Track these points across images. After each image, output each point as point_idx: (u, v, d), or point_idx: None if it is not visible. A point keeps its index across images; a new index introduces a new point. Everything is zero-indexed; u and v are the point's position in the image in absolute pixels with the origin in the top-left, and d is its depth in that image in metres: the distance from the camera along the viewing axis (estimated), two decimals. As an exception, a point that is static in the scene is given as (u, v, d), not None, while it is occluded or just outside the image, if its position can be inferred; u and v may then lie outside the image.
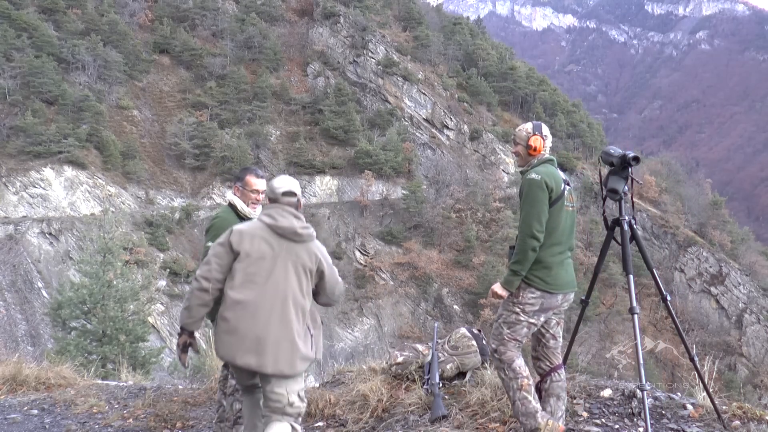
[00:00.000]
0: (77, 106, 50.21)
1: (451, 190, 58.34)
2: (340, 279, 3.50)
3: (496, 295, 3.41)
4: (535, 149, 3.43)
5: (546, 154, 3.49)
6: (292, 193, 3.45)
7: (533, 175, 3.33)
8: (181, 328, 3.43)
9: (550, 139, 3.49)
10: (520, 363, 3.42)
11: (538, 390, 3.56)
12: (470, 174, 60.65)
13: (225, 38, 64.58)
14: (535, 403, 3.36)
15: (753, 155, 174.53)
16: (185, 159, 53.97)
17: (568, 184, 3.46)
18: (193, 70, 61.73)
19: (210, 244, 3.76)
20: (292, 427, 3.35)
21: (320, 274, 3.39)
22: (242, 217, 4.00)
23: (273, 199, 3.46)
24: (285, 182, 3.49)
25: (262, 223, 3.36)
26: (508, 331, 3.42)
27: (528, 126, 3.51)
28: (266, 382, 3.32)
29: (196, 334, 3.64)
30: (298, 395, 3.35)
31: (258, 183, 4.08)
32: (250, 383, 3.59)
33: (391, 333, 49.02)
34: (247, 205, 4.05)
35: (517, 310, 3.40)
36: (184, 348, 3.45)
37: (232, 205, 4.06)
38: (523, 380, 3.38)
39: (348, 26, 68.00)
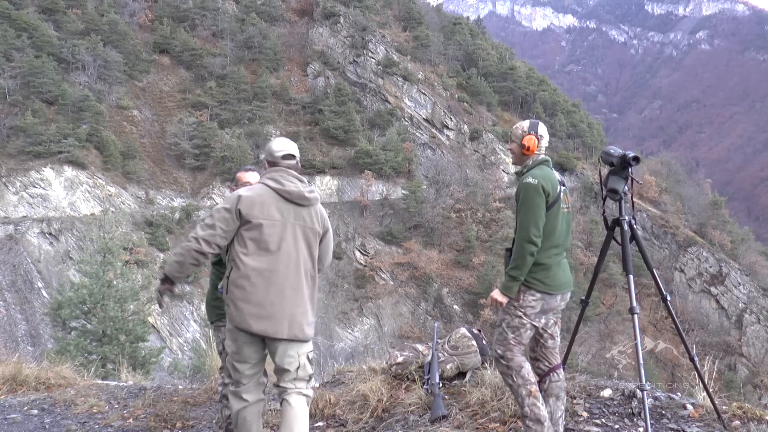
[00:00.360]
0: (77, 106, 50.21)
1: (451, 190, 58.34)
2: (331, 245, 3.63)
3: (495, 302, 3.39)
4: (528, 149, 3.41)
5: (541, 153, 3.46)
6: (291, 156, 3.45)
7: (530, 179, 3.31)
8: (166, 276, 3.45)
9: (546, 138, 3.46)
10: (528, 369, 3.41)
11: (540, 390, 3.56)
12: (470, 174, 60.66)
13: (225, 38, 64.58)
14: (543, 410, 3.35)
15: (753, 155, 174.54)
16: (185, 159, 53.97)
17: (563, 185, 3.46)
18: (193, 70, 61.74)
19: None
20: (307, 397, 3.43)
21: (322, 238, 3.45)
22: None
23: (272, 162, 3.45)
24: (283, 144, 3.48)
25: (268, 187, 3.35)
26: (512, 335, 3.39)
27: (524, 124, 3.48)
28: (277, 347, 3.35)
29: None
30: (308, 357, 3.42)
31: (247, 176, 4.18)
32: (257, 360, 3.49)
33: (391, 333, 49.02)
34: None
35: (520, 313, 3.39)
36: (164, 293, 3.57)
37: None
38: (531, 386, 3.37)
39: (348, 26, 68.00)
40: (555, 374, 3.54)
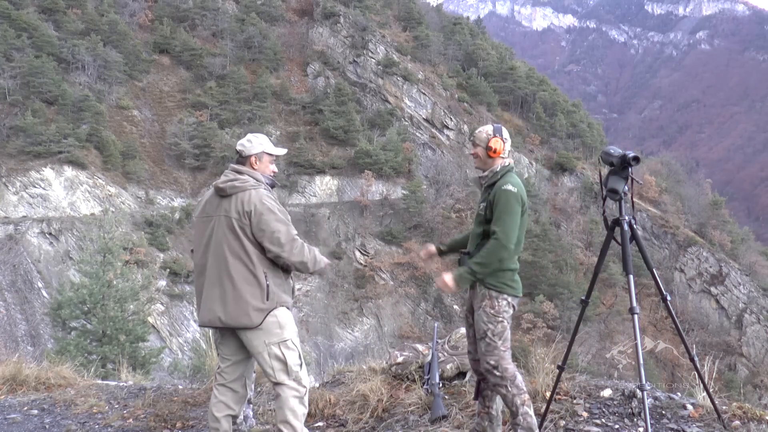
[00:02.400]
0: (77, 106, 50.22)
1: (451, 190, 58.35)
2: (280, 227, 3.40)
3: (445, 285, 3.37)
4: (495, 151, 3.43)
5: (506, 157, 3.50)
6: (236, 152, 3.64)
7: (509, 187, 3.35)
8: None
9: (509, 142, 3.51)
10: (520, 377, 3.43)
11: (480, 389, 3.60)
12: (470, 174, 60.59)
13: (225, 38, 64.59)
14: (535, 419, 3.40)
15: (753, 155, 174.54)
16: (185, 159, 53.98)
17: None
18: (193, 70, 61.75)
19: None
20: (287, 387, 3.41)
21: (253, 224, 3.40)
22: None
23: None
24: (242, 139, 3.69)
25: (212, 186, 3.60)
26: (500, 343, 3.39)
27: (488, 128, 3.52)
28: (242, 339, 3.44)
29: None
30: (282, 345, 3.42)
31: None
32: (232, 359, 3.58)
33: (391, 333, 49.02)
34: None
35: (500, 319, 3.39)
36: None
37: None
38: (525, 395, 3.39)
39: (348, 26, 68.01)
40: None
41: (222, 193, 3.48)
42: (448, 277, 3.37)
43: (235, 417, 3.65)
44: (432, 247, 3.85)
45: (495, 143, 3.43)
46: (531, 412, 3.37)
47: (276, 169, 3.76)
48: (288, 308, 3.56)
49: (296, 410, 3.44)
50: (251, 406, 4.32)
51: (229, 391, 3.58)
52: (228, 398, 3.56)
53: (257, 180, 3.54)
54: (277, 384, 3.45)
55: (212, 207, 3.52)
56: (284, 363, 3.43)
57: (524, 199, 3.40)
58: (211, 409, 3.57)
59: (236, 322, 3.37)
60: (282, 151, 3.82)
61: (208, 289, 3.44)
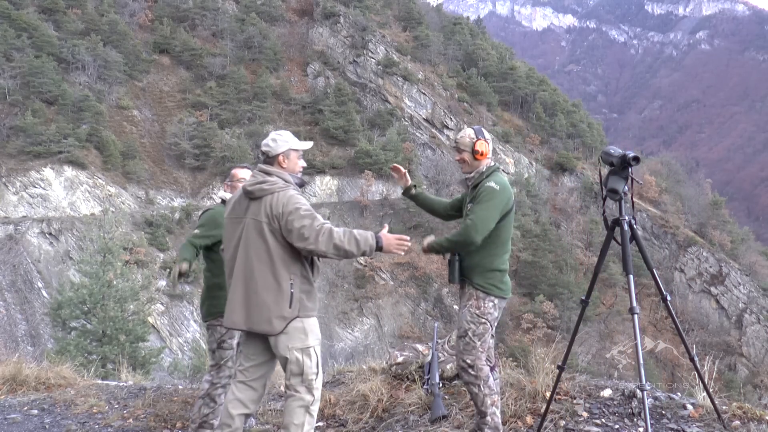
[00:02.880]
0: (77, 106, 50.22)
1: (451, 190, 58.30)
2: (305, 221, 3.29)
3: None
4: (482, 154, 3.49)
5: (490, 158, 3.56)
6: (262, 152, 3.57)
7: (492, 184, 3.41)
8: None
9: (491, 143, 3.57)
10: (492, 379, 3.49)
11: None
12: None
13: (225, 38, 64.60)
14: (500, 418, 3.50)
15: (753, 155, 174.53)
16: (185, 159, 53.97)
17: None
18: (193, 70, 61.75)
19: (197, 231, 4.18)
20: (297, 398, 3.36)
21: (282, 227, 3.33)
22: None
23: None
24: (266, 139, 3.61)
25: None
26: (479, 343, 3.44)
27: (470, 132, 3.56)
28: (271, 344, 3.39)
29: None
30: (302, 352, 3.35)
31: (241, 172, 4.32)
32: (255, 360, 3.52)
33: (391, 333, 49.02)
34: None
35: (483, 320, 3.44)
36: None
37: (224, 201, 4.24)
38: (495, 396, 3.46)
39: (348, 26, 68.01)
40: (495, 372, 3.67)
41: (251, 196, 3.41)
42: (425, 240, 3.54)
43: (248, 416, 3.58)
44: (409, 180, 3.88)
45: (480, 146, 3.50)
46: (498, 412, 3.46)
47: (305, 164, 3.70)
48: (312, 317, 3.50)
49: (298, 419, 3.36)
50: None
51: (248, 389, 3.51)
52: (246, 396, 3.49)
53: (286, 181, 3.46)
54: (288, 387, 3.42)
55: (241, 208, 3.45)
56: (301, 369, 3.37)
57: (509, 199, 3.43)
58: (227, 405, 3.49)
59: (258, 328, 3.34)
60: (308, 145, 3.72)
61: (233, 291, 3.41)
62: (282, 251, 3.34)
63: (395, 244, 3.40)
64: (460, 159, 3.59)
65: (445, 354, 4.63)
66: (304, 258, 3.40)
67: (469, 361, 3.42)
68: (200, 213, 4.38)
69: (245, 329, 3.38)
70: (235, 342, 4.21)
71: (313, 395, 3.40)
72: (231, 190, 4.26)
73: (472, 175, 3.55)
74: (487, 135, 3.55)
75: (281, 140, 3.56)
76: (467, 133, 3.57)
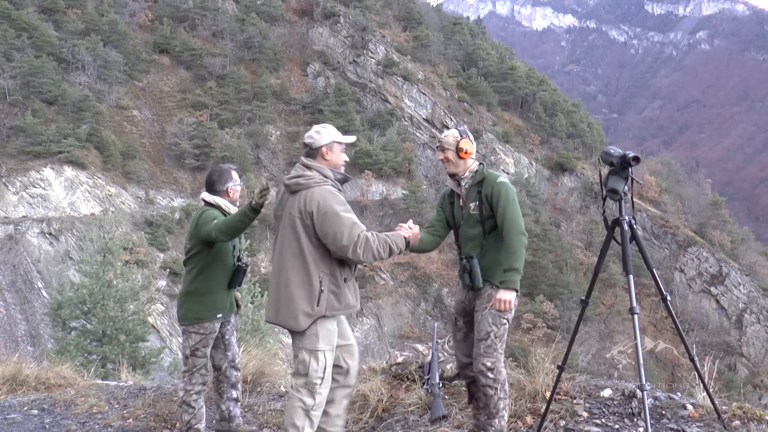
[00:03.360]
0: (77, 106, 50.22)
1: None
2: (342, 228, 3.24)
3: (509, 303, 3.31)
4: (466, 152, 3.51)
5: (475, 158, 3.59)
6: (304, 144, 3.56)
7: (504, 179, 3.47)
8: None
9: (475, 143, 3.61)
10: (507, 382, 3.48)
11: (471, 392, 3.62)
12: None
13: (225, 38, 64.60)
14: (506, 420, 3.50)
15: (753, 155, 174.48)
16: (185, 159, 53.97)
17: None
18: (193, 70, 61.75)
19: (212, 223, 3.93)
20: (305, 409, 3.31)
21: (315, 225, 3.29)
22: (225, 214, 4.06)
23: None
24: (309, 131, 3.60)
25: None
26: (500, 345, 3.40)
27: (454, 132, 3.61)
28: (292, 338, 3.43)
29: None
30: (311, 354, 3.32)
31: (236, 175, 4.38)
32: None
33: (391, 333, 49.02)
34: (233, 201, 4.21)
35: (504, 321, 3.41)
36: None
37: (214, 205, 4.14)
38: (507, 400, 3.45)
39: (348, 26, 68.01)
40: None
41: (289, 190, 3.42)
42: (505, 293, 3.32)
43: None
44: (417, 230, 3.66)
45: (465, 144, 3.52)
46: (506, 416, 3.46)
47: (347, 158, 3.68)
48: (340, 316, 3.47)
49: (298, 421, 3.32)
50: (239, 404, 4.31)
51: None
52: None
53: (324, 176, 3.42)
54: (292, 387, 3.40)
55: (282, 202, 3.48)
56: (306, 370, 3.33)
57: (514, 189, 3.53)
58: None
59: (285, 323, 3.32)
60: (351, 139, 3.68)
61: (270, 285, 3.44)
62: (312, 248, 3.30)
63: (418, 237, 3.42)
64: (444, 158, 3.60)
65: (445, 354, 4.63)
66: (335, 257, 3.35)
67: (489, 364, 3.38)
68: (198, 213, 4.18)
69: (275, 323, 3.38)
70: (209, 351, 4.07)
71: (314, 400, 3.35)
72: (233, 194, 4.27)
73: (465, 175, 3.56)
74: (471, 135, 3.61)
75: (325, 132, 3.56)
76: (451, 133, 3.62)
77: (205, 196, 4.17)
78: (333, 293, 3.34)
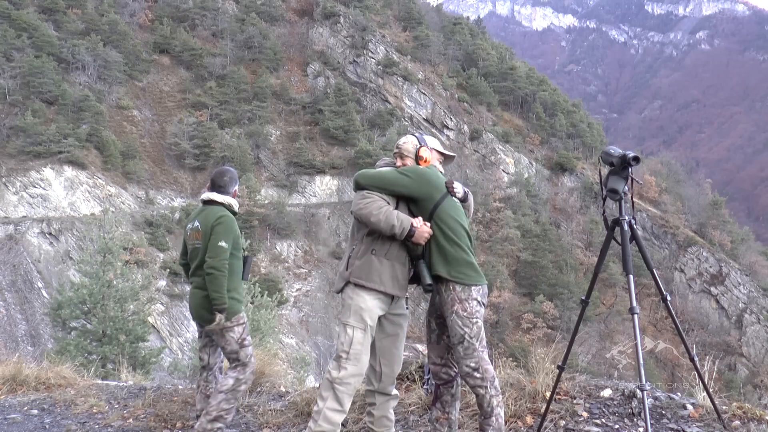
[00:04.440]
0: (77, 106, 50.23)
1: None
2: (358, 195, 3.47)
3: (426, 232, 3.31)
4: (425, 160, 3.47)
5: (434, 165, 3.51)
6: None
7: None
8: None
9: (435, 152, 3.56)
10: (497, 379, 3.44)
11: (439, 394, 3.56)
12: (470, 174, 60.66)
13: (225, 38, 64.60)
14: (503, 418, 3.45)
15: (753, 155, 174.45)
16: (185, 159, 53.98)
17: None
18: (193, 70, 61.75)
19: (223, 244, 3.98)
20: (331, 382, 3.38)
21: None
22: (233, 212, 4.25)
23: None
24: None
25: None
26: (478, 344, 3.35)
27: (412, 138, 3.56)
28: None
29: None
30: (341, 325, 3.46)
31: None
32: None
33: (391, 333, 48.97)
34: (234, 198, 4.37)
35: (474, 320, 3.35)
36: None
37: (219, 203, 4.20)
38: (500, 396, 3.41)
39: (348, 26, 68.01)
40: (459, 378, 3.56)
41: None
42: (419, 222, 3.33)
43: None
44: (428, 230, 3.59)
45: (424, 152, 3.47)
46: (502, 412, 3.41)
47: None
48: (363, 291, 3.41)
49: (323, 391, 3.39)
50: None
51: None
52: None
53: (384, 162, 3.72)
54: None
55: None
56: (337, 340, 3.46)
57: (428, 182, 3.47)
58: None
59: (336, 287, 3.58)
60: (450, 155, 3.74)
61: None
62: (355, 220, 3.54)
63: (425, 235, 3.36)
64: (402, 165, 3.53)
65: (445, 354, 4.62)
66: (375, 232, 3.40)
67: (473, 365, 3.34)
68: (215, 220, 4.07)
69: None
70: (250, 338, 4.26)
71: (339, 372, 3.35)
72: (234, 194, 4.35)
73: None
74: (431, 143, 3.54)
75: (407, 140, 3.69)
76: (410, 139, 3.56)
77: (215, 196, 4.20)
78: (360, 261, 3.42)
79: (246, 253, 4.29)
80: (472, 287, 3.35)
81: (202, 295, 4.10)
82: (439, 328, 3.54)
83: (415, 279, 3.49)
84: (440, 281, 3.38)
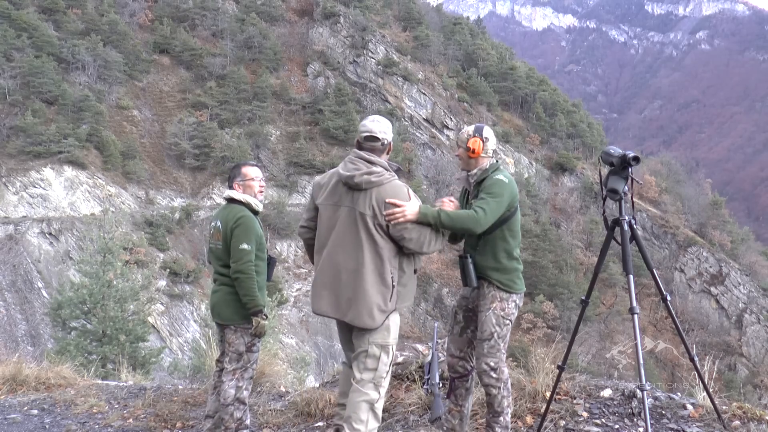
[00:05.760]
0: (77, 106, 50.22)
1: (451, 190, 58.33)
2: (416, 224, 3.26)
3: (404, 217, 3.24)
4: (473, 151, 3.45)
5: (489, 156, 3.51)
6: (374, 138, 3.36)
7: (500, 176, 3.39)
8: None
9: (492, 141, 3.50)
10: (510, 381, 3.50)
11: (454, 387, 3.61)
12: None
13: (225, 38, 64.59)
14: (510, 417, 3.51)
15: (753, 155, 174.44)
16: (185, 159, 53.97)
17: None
18: (193, 70, 61.74)
19: (246, 246, 3.89)
20: (371, 404, 3.29)
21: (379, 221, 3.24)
22: (254, 211, 4.07)
23: (359, 142, 3.40)
24: (369, 124, 3.39)
25: (337, 171, 3.36)
26: (503, 345, 3.42)
27: (470, 129, 3.55)
28: (353, 336, 3.37)
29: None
30: (382, 348, 3.31)
31: (253, 170, 4.17)
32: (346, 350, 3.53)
33: (391, 333, 48.97)
34: (254, 196, 4.11)
35: (507, 322, 3.42)
36: None
37: (237, 201, 4.08)
38: (510, 398, 3.47)
39: (348, 26, 68.01)
40: (474, 373, 3.62)
41: (356, 188, 3.26)
42: (413, 206, 3.31)
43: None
44: (456, 204, 3.67)
45: (473, 143, 3.45)
46: (510, 412, 3.48)
47: None
48: (401, 313, 3.43)
49: (363, 415, 3.27)
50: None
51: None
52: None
53: (390, 171, 3.33)
54: (356, 381, 3.34)
55: (338, 195, 3.31)
56: (376, 365, 3.31)
57: (514, 193, 3.40)
58: (342, 385, 3.57)
59: (359, 322, 3.23)
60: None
61: (326, 280, 3.32)
62: (386, 244, 3.24)
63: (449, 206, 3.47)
64: (457, 155, 3.60)
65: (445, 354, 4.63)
66: (403, 251, 3.33)
67: (492, 364, 3.39)
68: (234, 222, 3.98)
69: (341, 319, 3.30)
70: (259, 344, 4.18)
71: (380, 393, 3.34)
72: (244, 189, 4.10)
73: (474, 172, 3.52)
74: (486, 133, 3.49)
75: (389, 127, 3.43)
76: (467, 129, 3.56)
77: (234, 193, 4.11)
78: (402, 287, 3.35)
79: (271, 256, 4.19)
80: (513, 293, 3.44)
81: (221, 295, 4.09)
82: (465, 321, 3.59)
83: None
84: (484, 279, 3.45)
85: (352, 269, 3.23)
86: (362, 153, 3.32)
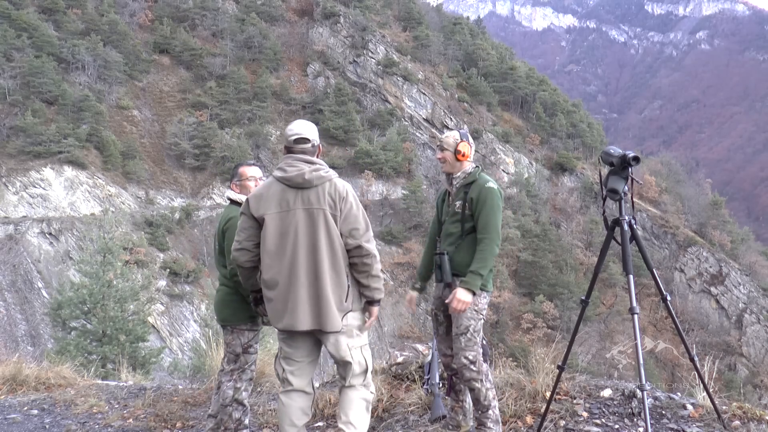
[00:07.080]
0: (77, 106, 50.23)
1: (451, 190, 58.39)
2: (361, 220, 3.21)
3: (461, 303, 3.38)
4: (463, 155, 3.58)
5: (472, 161, 3.66)
6: (304, 140, 3.32)
7: (492, 185, 3.53)
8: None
9: (474, 147, 3.68)
10: (490, 372, 3.57)
11: (452, 384, 3.74)
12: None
13: (225, 38, 64.61)
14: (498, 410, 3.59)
15: (753, 155, 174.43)
16: (185, 159, 53.98)
17: None
18: (193, 70, 61.76)
19: None
20: (367, 404, 3.31)
21: (343, 214, 3.19)
22: None
23: (287, 147, 3.35)
24: (297, 127, 3.36)
25: (275, 178, 3.26)
26: (479, 339, 3.52)
27: (455, 133, 3.67)
28: (329, 344, 3.25)
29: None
30: (365, 350, 3.32)
31: (251, 170, 4.14)
32: (312, 359, 3.41)
33: (391, 333, 49.03)
34: None
35: (481, 317, 3.52)
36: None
37: (234, 202, 4.08)
38: (494, 389, 3.53)
39: (348, 26, 68.02)
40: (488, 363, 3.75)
41: (308, 185, 3.17)
42: (464, 295, 3.39)
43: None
44: (413, 294, 3.94)
45: (463, 147, 3.58)
46: (497, 405, 3.55)
47: None
48: (359, 310, 3.38)
49: (361, 416, 3.25)
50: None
51: (302, 396, 3.35)
52: (303, 402, 3.33)
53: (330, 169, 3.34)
54: (349, 387, 3.29)
55: (289, 200, 3.20)
56: (364, 368, 3.30)
57: (502, 196, 3.61)
58: (290, 417, 3.31)
59: (328, 327, 3.15)
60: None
61: (291, 290, 3.16)
62: (339, 241, 3.18)
63: (372, 321, 3.37)
64: (441, 157, 3.67)
65: (445, 354, 4.63)
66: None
67: (471, 357, 3.47)
68: (224, 223, 4.00)
69: (306, 329, 3.18)
70: (258, 346, 4.17)
71: (372, 392, 3.38)
72: (240, 189, 4.08)
73: (458, 175, 3.63)
74: (471, 139, 3.67)
75: (316, 130, 3.44)
76: (452, 134, 3.67)
77: (231, 194, 4.13)
78: (354, 287, 3.28)
79: None
80: (485, 291, 3.56)
81: (220, 295, 4.09)
82: (447, 320, 3.69)
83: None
84: (458, 276, 3.54)
85: (317, 273, 3.14)
86: (297, 155, 3.29)
